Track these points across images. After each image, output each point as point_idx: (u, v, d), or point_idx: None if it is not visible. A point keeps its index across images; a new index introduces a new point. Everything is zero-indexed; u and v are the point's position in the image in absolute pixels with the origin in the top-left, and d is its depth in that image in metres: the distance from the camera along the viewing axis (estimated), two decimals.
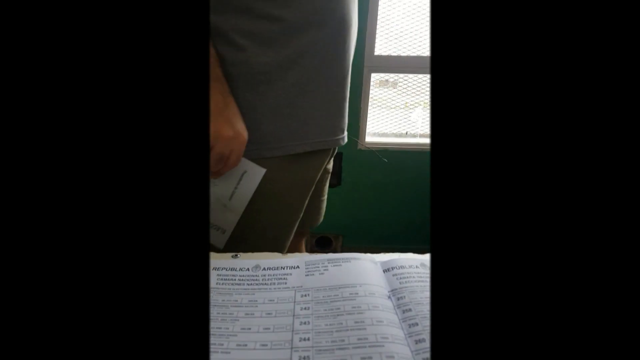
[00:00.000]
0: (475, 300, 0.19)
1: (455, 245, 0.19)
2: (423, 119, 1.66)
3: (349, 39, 0.49)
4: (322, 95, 0.50)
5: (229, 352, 0.28)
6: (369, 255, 0.43)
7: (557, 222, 0.19)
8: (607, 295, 0.18)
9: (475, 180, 0.19)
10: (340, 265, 0.39)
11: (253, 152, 0.48)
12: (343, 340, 0.29)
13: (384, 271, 0.40)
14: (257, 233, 0.54)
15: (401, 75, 1.63)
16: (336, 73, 0.50)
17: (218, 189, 0.49)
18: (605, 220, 0.18)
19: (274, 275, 0.39)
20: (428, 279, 0.38)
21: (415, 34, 1.51)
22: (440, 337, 0.19)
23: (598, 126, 0.18)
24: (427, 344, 0.29)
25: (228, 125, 0.42)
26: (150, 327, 0.18)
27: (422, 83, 1.61)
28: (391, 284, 0.37)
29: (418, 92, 1.63)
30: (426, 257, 0.43)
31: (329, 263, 0.40)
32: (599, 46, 0.18)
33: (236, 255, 0.43)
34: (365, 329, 0.30)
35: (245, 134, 0.44)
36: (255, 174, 0.49)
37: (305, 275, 0.38)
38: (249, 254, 0.44)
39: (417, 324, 0.31)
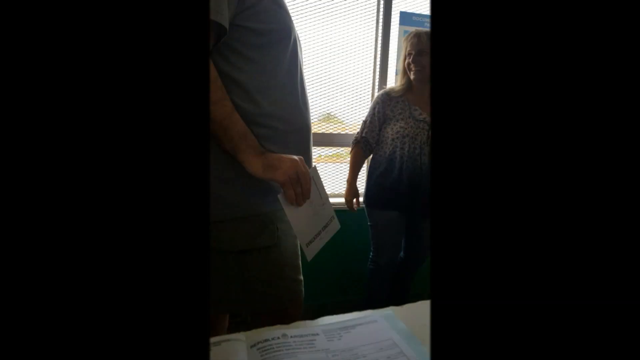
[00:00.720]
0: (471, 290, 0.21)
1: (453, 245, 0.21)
2: None
3: (310, 138, 0.78)
4: None
5: None
6: (240, 335, 0.50)
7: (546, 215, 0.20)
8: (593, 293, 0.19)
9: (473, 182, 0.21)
10: (210, 349, 0.46)
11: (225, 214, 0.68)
12: None
13: (250, 347, 0.47)
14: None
15: None
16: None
17: (313, 200, 0.68)
18: (592, 217, 0.19)
19: None
20: (287, 346, 0.46)
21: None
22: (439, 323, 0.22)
23: (570, 142, 0.19)
24: None
25: (286, 157, 0.64)
26: (150, 322, 0.20)
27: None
28: (254, 358, 0.44)
29: None
30: (289, 330, 0.51)
31: None
32: (573, 80, 0.19)
33: None
34: None
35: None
36: (313, 169, 0.70)
37: None
38: None
39: None
